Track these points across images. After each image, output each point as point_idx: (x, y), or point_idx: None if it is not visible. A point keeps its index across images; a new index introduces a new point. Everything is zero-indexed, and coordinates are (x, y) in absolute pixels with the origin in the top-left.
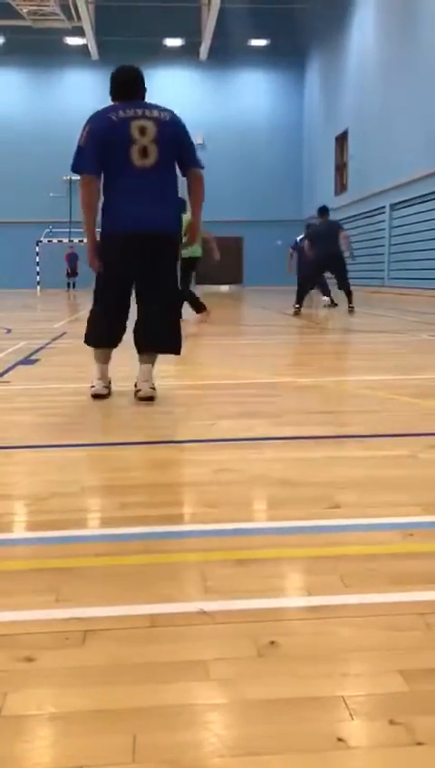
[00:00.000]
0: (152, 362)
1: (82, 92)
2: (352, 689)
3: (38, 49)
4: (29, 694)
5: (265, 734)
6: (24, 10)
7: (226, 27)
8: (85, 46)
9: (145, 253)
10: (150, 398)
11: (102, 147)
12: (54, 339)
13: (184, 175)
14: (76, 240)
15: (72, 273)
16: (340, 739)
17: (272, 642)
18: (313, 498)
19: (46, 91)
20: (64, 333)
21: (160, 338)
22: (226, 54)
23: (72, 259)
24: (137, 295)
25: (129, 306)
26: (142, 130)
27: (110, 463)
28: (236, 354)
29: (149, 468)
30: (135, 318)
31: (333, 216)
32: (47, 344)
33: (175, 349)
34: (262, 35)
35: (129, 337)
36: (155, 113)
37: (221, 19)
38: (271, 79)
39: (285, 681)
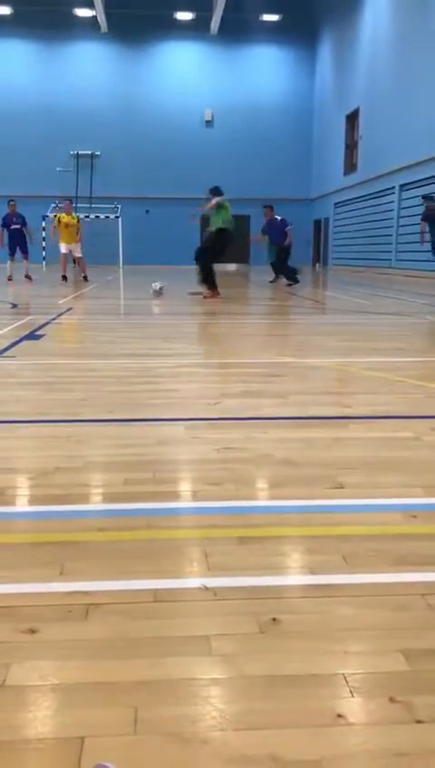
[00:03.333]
0: None
1: (91, 65)
2: (353, 667)
3: (47, 20)
4: (32, 665)
5: (265, 710)
6: None
7: (237, 1)
8: (94, 18)
9: None
10: None
11: None
12: (60, 314)
13: None
14: (82, 216)
15: None
16: (340, 715)
17: (274, 619)
18: (316, 478)
19: (54, 63)
20: (70, 309)
21: None
22: (237, 29)
23: None
24: None
25: None
26: None
27: (114, 439)
28: (241, 333)
29: (153, 445)
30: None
31: (342, 197)
32: (53, 319)
33: None
34: (274, 10)
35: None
36: None
37: None
38: (282, 55)
39: (287, 657)
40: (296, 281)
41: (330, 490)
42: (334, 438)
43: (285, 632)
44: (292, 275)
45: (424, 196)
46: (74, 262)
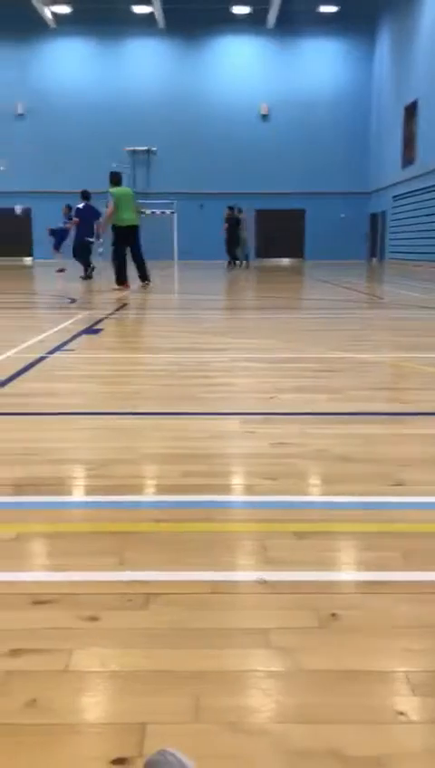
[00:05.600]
0: None
1: (148, 61)
2: (414, 665)
3: (105, 18)
4: (93, 652)
5: (325, 704)
6: None
7: None
8: (152, 14)
9: None
10: None
11: None
12: (117, 309)
13: None
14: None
15: None
16: (401, 713)
17: (333, 614)
18: (375, 475)
19: (112, 60)
20: (126, 304)
21: None
22: (294, 21)
23: None
24: None
25: None
26: None
27: (170, 432)
28: (296, 329)
29: (208, 438)
30: None
31: (400, 189)
32: (110, 314)
33: None
34: (332, 1)
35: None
36: None
37: None
38: (340, 47)
39: (346, 653)
40: (90, 277)
41: (389, 487)
42: (393, 435)
43: (345, 628)
44: (88, 270)
45: None
46: None
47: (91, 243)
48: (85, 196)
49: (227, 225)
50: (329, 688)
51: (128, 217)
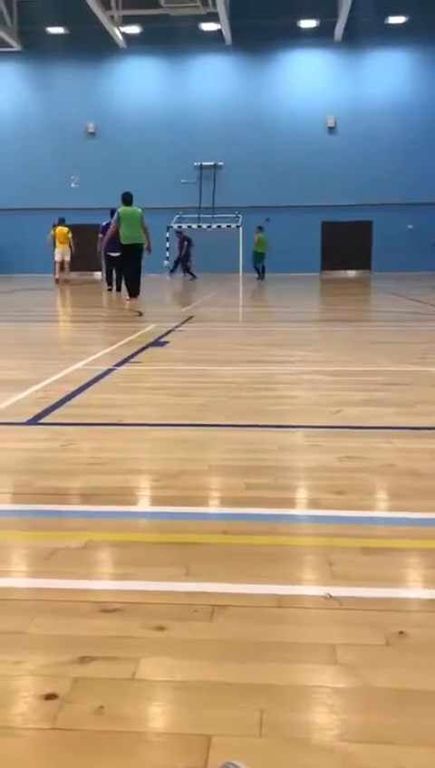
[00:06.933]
0: None
1: (216, 78)
2: None
3: (173, 37)
4: (160, 661)
5: (394, 724)
6: None
7: (362, 4)
8: (219, 32)
9: None
10: None
11: None
12: (183, 322)
13: None
14: (204, 226)
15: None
16: None
17: (401, 632)
18: None
19: (180, 77)
20: (192, 317)
21: None
22: (362, 34)
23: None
24: None
25: None
26: None
27: (235, 444)
28: (363, 341)
29: (274, 451)
30: None
31: None
32: (176, 327)
33: None
34: (400, 11)
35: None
36: None
37: None
38: (409, 57)
39: (415, 672)
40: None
41: None
42: None
43: (413, 646)
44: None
45: None
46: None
47: (115, 257)
48: (114, 213)
49: (185, 244)
50: (396, 708)
51: (126, 235)
